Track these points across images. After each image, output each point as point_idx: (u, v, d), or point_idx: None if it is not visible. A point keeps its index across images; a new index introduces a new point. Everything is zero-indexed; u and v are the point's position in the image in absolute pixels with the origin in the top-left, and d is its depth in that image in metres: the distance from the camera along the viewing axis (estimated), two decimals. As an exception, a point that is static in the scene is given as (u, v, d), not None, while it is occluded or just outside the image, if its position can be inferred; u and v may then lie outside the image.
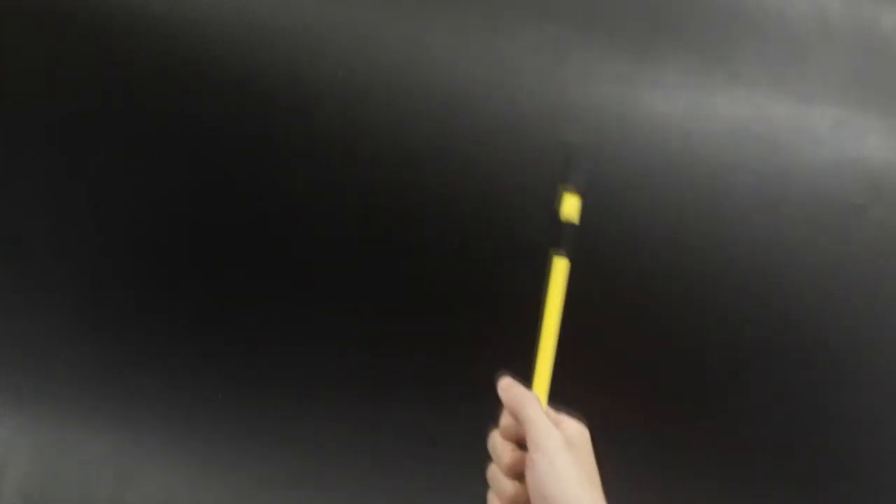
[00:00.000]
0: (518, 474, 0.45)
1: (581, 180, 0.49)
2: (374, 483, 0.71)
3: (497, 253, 0.68)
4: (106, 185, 0.74)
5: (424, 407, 0.70)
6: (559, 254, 0.49)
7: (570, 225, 0.49)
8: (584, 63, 0.67)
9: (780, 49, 0.66)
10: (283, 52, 0.69)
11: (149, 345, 0.75)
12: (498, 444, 0.47)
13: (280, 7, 0.70)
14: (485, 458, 0.48)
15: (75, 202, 0.75)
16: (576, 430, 0.45)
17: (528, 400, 0.46)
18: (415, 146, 0.68)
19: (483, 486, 0.47)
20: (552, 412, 0.47)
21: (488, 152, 0.68)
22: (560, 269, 0.49)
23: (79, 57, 0.73)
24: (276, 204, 0.71)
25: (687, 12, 0.67)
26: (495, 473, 0.46)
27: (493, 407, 0.49)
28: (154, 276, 0.75)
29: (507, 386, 0.48)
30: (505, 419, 0.47)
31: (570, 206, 0.49)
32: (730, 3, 0.67)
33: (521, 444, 0.46)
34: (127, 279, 0.75)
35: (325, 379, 0.72)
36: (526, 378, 0.49)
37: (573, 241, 0.49)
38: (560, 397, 0.51)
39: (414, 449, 0.70)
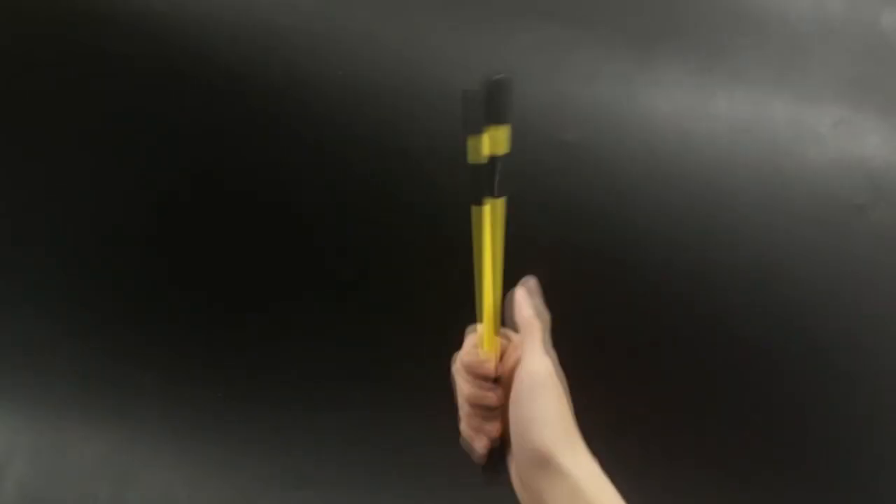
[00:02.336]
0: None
1: (480, 117, 0.46)
2: (374, 483, 0.71)
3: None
4: (106, 184, 0.74)
5: (425, 407, 0.70)
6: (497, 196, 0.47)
7: (499, 159, 0.47)
8: (584, 63, 0.67)
9: (780, 49, 0.66)
10: (283, 52, 0.69)
11: (149, 345, 0.75)
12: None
13: (280, 7, 0.70)
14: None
15: (75, 202, 0.75)
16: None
17: (540, 324, 0.47)
18: (414, 145, 0.68)
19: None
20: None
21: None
22: (498, 209, 0.48)
23: (79, 56, 0.73)
24: (275, 203, 0.71)
25: (687, 12, 0.67)
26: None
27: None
28: (154, 276, 0.75)
29: (532, 290, 0.49)
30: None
31: (501, 140, 0.47)
32: (730, 3, 0.67)
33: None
34: (127, 279, 0.75)
35: (326, 379, 0.72)
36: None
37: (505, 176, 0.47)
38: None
39: (415, 449, 0.70)
